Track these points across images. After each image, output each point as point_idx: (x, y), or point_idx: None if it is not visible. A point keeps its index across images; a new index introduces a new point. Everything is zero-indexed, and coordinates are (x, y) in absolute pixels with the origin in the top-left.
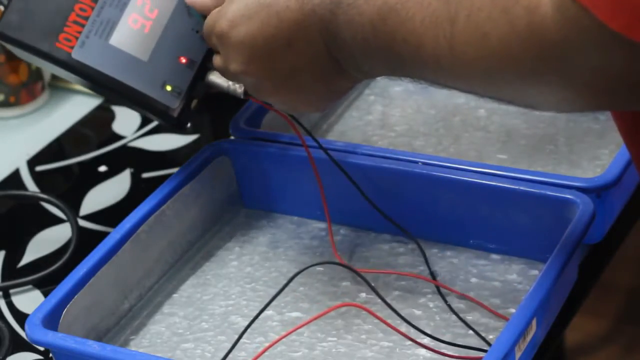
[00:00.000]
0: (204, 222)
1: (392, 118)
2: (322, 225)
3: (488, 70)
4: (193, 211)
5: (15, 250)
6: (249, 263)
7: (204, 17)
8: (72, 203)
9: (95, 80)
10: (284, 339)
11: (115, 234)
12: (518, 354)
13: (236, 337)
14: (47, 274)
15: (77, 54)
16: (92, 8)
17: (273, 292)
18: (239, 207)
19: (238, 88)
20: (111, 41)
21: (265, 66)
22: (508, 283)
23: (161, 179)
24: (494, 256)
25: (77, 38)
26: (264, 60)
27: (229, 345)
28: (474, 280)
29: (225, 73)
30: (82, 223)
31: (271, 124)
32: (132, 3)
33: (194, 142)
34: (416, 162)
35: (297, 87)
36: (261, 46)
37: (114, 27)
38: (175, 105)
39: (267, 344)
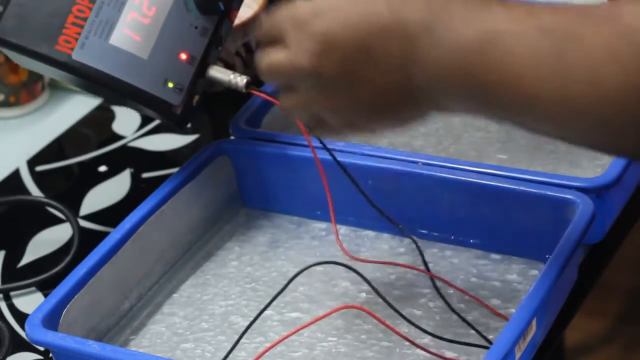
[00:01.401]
0: (204, 222)
1: None
2: (322, 225)
3: (600, 118)
4: (193, 211)
5: (15, 250)
6: (249, 263)
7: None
8: (72, 203)
9: (97, 81)
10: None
11: (115, 234)
12: (518, 354)
13: (236, 337)
14: (49, 277)
15: (77, 55)
16: (90, 9)
17: (273, 292)
18: (239, 207)
19: (240, 81)
20: (111, 41)
21: (336, 67)
22: (508, 283)
23: (161, 179)
24: (494, 256)
25: (76, 40)
26: (337, 60)
27: (229, 345)
28: (474, 280)
29: (285, 66)
30: (82, 223)
31: (271, 124)
32: (129, 2)
33: (194, 142)
34: (416, 162)
35: (361, 99)
36: (339, 44)
37: (113, 27)
38: (178, 102)
39: (267, 344)
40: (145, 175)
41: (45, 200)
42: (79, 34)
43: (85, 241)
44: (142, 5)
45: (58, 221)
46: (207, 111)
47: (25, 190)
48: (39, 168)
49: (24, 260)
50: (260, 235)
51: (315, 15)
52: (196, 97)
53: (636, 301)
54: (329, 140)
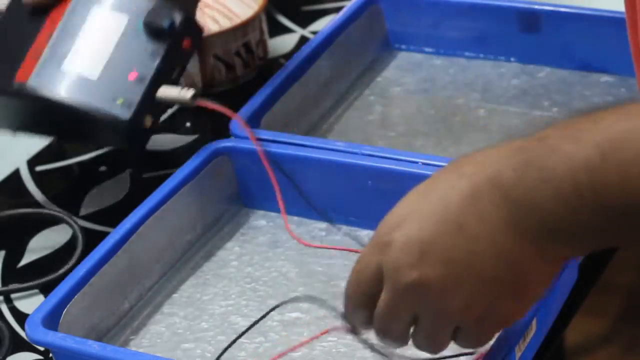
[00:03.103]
0: (204, 222)
1: (392, 118)
2: (322, 225)
3: None
4: (193, 211)
5: (15, 250)
6: (249, 263)
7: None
8: (72, 203)
9: (49, 103)
10: (283, 339)
11: (115, 234)
12: (518, 354)
13: (236, 337)
14: (51, 280)
15: (32, 82)
16: (47, 43)
17: (273, 292)
18: (239, 207)
19: (186, 94)
20: (63, 67)
21: (441, 262)
22: None
23: (161, 179)
24: None
25: (32, 69)
26: (437, 255)
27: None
28: None
29: (392, 299)
30: (82, 223)
31: (271, 124)
32: (82, 31)
33: (194, 142)
34: (416, 162)
35: (482, 279)
36: (430, 239)
37: (67, 54)
38: (127, 116)
39: (267, 344)
40: (145, 175)
41: (47, 211)
42: (35, 65)
43: (85, 241)
44: (94, 32)
45: (58, 221)
46: (207, 111)
47: (25, 190)
48: (39, 168)
49: (24, 261)
50: (260, 235)
51: (393, 229)
52: (148, 119)
53: (636, 301)
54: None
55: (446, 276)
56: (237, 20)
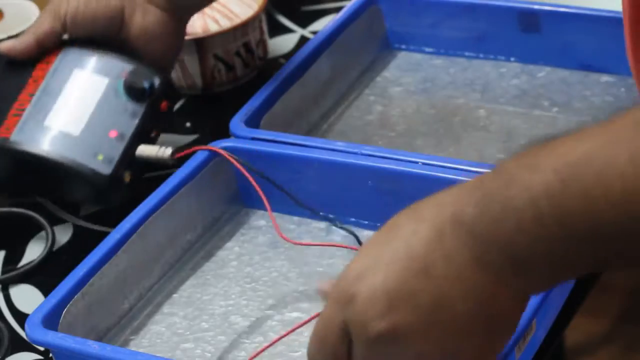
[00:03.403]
0: (204, 222)
1: (392, 118)
2: (322, 225)
3: None
4: (193, 211)
5: (15, 250)
6: (248, 263)
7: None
8: (72, 203)
9: (31, 157)
10: (283, 339)
11: (115, 234)
12: (518, 354)
13: (236, 337)
14: (29, 267)
15: (14, 137)
16: (29, 102)
17: (273, 292)
18: (239, 207)
19: (165, 152)
20: (45, 122)
21: (410, 308)
22: None
23: (161, 179)
24: None
25: (15, 125)
26: (405, 302)
27: (229, 346)
28: None
29: (366, 354)
30: (82, 223)
31: (271, 124)
32: (65, 90)
33: (194, 142)
34: (416, 162)
35: (453, 320)
36: (396, 286)
37: (49, 112)
38: (107, 171)
39: (266, 344)
40: (145, 175)
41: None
42: (18, 121)
43: (85, 241)
44: (75, 92)
45: (58, 221)
46: (207, 111)
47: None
48: None
49: (24, 260)
50: (260, 236)
51: (356, 280)
52: (127, 175)
53: (636, 301)
54: None
55: (417, 322)
56: (237, 20)
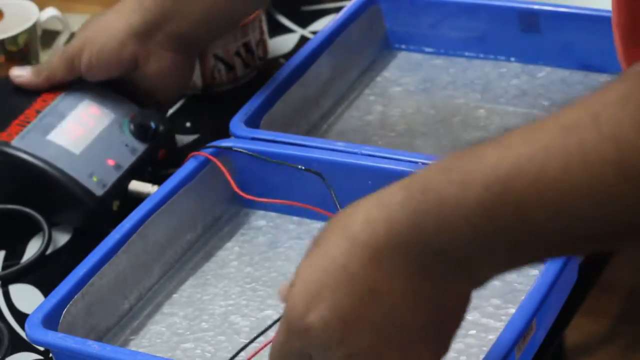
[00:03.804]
0: (204, 222)
1: (392, 118)
2: (322, 225)
3: None
4: (193, 211)
5: (15, 250)
6: (249, 263)
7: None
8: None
9: (28, 165)
10: None
11: (115, 234)
12: (518, 354)
13: (236, 337)
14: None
15: (16, 143)
16: (35, 117)
17: (273, 292)
18: (239, 207)
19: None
20: (48, 137)
21: (366, 330)
22: (508, 283)
23: (161, 179)
24: None
25: (17, 133)
26: (360, 326)
27: (229, 346)
28: None
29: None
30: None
31: (271, 124)
32: (71, 114)
33: (194, 142)
34: (416, 162)
35: (407, 332)
36: (347, 311)
37: (52, 129)
38: (99, 193)
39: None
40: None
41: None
42: (21, 130)
43: (85, 241)
44: (82, 117)
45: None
46: (207, 111)
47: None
48: None
49: (24, 260)
50: (260, 236)
51: (306, 312)
52: (116, 204)
53: (636, 301)
54: None
55: (375, 340)
56: None
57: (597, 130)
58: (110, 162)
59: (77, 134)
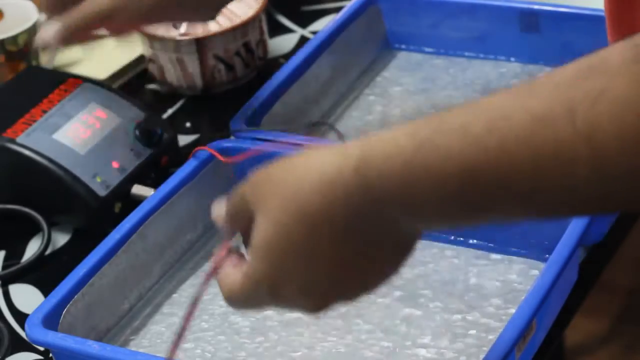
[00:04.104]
0: (204, 222)
1: (392, 118)
2: None
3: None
4: (193, 211)
5: (15, 250)
6: None
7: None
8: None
9: (31, 161)
10: (283, 339)
11: (115, 234)
12: (518, 354)
13: (236, 337)
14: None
15: (21, 140)
16: (41, 116)
17: None
18: None
19: None
20: (53, 136)
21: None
22: (508, 283)
23: (161, 179)
24: (494, 256)
25: (23, 131)
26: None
27: (229, 346)
28: (473, 280)
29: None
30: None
31: (271, 124)
32: (77, 116)
33: (194, 142)
34: None
35: (350, 262)
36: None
37: (58, 129)
38: (102, 194)
39: (267, 344)
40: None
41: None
42: (27, 128)
43: (85, 241)
44: (88, 119)
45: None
46: (207, 111)
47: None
48: None
49: (24, 260)
50: None
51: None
52: (118, 206)
53: (636, 301)
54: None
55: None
56: (237, 20)
57: (571, 125)
58: (115, 165)
59: (82, 135)
